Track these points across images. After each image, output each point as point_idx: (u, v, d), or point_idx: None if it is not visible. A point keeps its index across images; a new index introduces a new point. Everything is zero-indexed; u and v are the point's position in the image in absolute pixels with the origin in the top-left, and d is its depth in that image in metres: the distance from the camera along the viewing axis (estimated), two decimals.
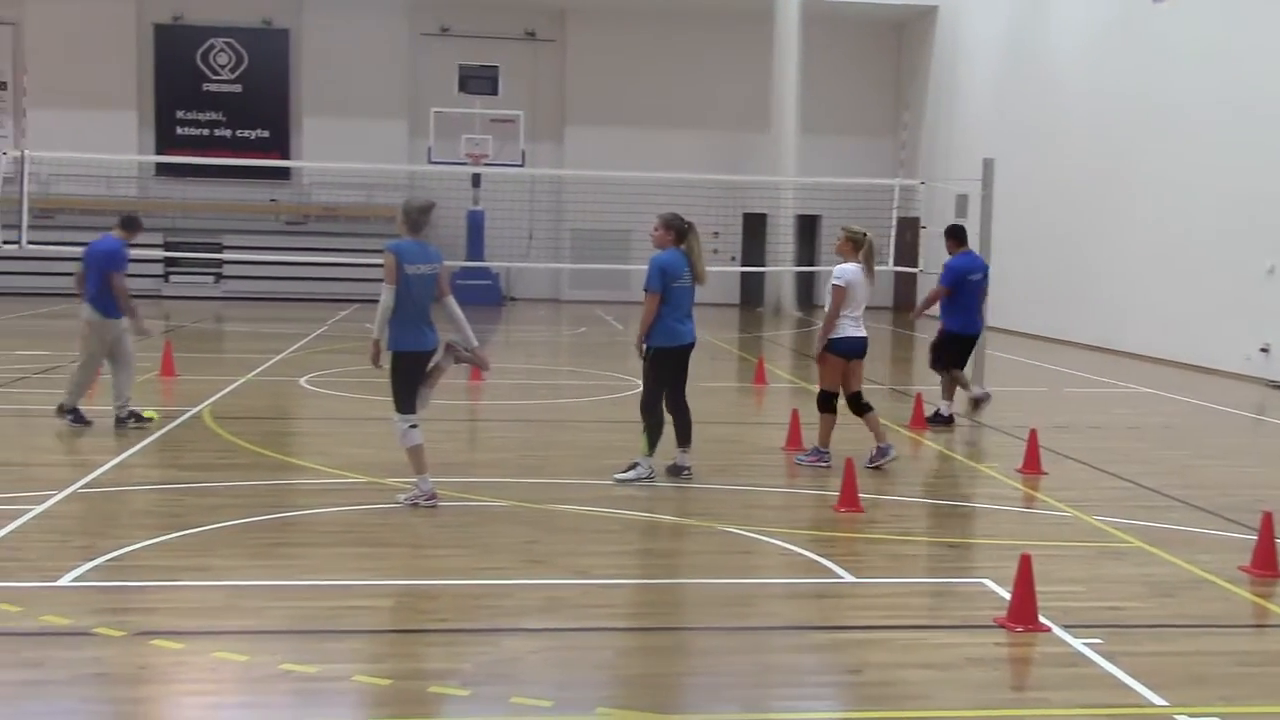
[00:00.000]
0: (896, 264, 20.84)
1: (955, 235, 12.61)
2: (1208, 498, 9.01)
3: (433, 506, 7.93)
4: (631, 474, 8.97)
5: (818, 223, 29.32)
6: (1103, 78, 21.41)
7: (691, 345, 9.23)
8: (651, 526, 7.77)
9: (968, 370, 12.88)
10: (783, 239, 28.04)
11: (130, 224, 11.14)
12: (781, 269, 27.33)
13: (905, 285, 29.94)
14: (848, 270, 9.82)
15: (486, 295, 27.51)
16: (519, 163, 27.95)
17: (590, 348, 20.02)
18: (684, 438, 9.28)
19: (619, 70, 30.29)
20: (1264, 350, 16.68)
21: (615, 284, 28.71)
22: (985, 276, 12.75)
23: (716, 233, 29.69)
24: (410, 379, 8.00)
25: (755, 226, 30.00)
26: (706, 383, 15.75)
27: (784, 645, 5.67)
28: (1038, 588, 5.90)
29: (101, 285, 10.59)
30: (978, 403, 12.84)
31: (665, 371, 9.13)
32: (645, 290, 8.97)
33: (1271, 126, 16.83)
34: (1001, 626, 5.82)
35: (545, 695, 4.94)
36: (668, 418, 9.21)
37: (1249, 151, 17.31)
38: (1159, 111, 19.56)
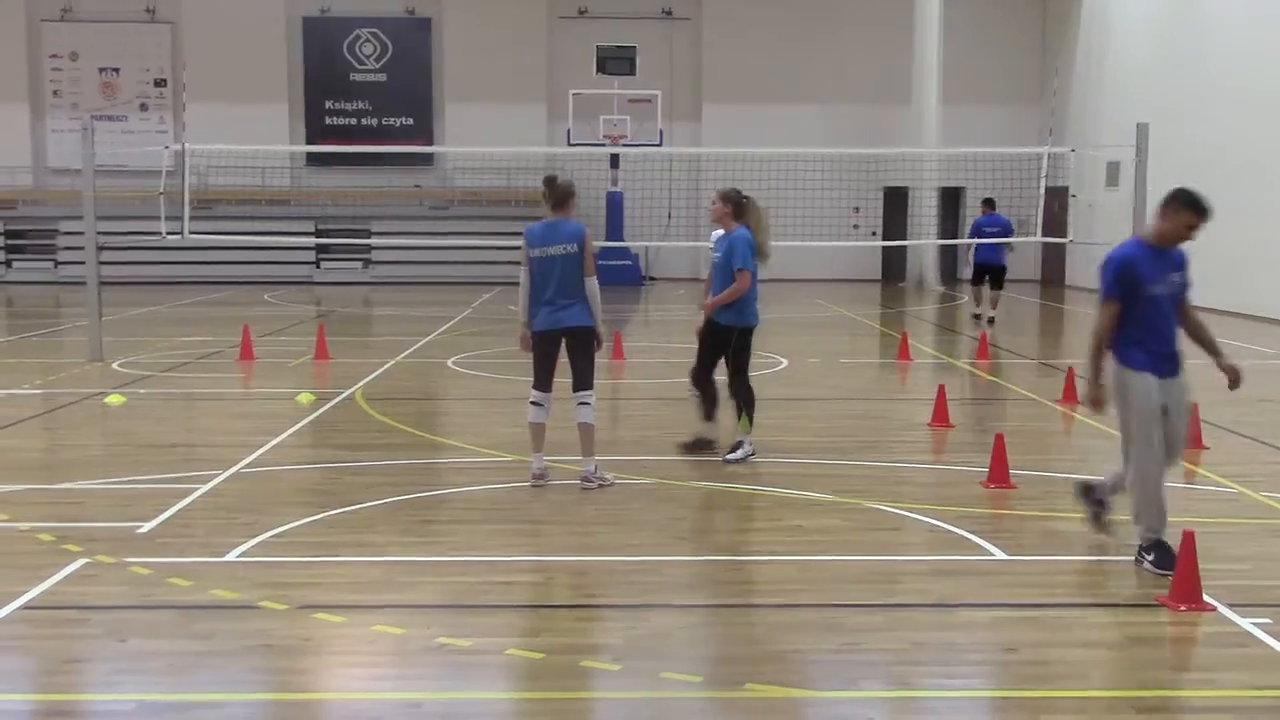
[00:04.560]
0: (1045, 234, 20.27)
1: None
2: None
3: (540, 486, 7.96)
4: (739, 453, 8.87)
5: (961, 194, 28.69)
6: (1263, 40, 20.42)
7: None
8: (797, 503, 7.73)
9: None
10: (925, 212, 27.51)
11: None
12: (924, 243, 26.82)
13: (1053, 255, 29.13)
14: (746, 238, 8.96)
15: (626, 275, 27.66)
16: (657, 142, 27.98)
17: None
18: (711, 415, 9.18)
19: (755, 46, 30.05)
20: None
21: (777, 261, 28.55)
22: None
23: (857, 208, 29.40)
24: (535, 356, 8.11)
25: (897, 200, 29.52)
26: (850, 359, 15.61)
27: (934, 623, 5.59)
28: (1202, 566, 5.70)
29: None
30: None
31: (744, 349, 9.01)
32: (741, 268, 8.73)
33: None
34: (1164, 605, 5.64)
35: (695, 670, 4.97)
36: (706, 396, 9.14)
37: None
38: None
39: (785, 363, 14.50)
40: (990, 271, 19.21)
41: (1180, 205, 6.13)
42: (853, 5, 29.88)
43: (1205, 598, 5.62)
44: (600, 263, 23.87)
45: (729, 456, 8.86)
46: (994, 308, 19.10)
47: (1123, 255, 6.16)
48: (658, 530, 7.09)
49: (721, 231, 9.16)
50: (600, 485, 8.00)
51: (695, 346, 9.21)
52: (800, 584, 6.11)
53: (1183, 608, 5.57)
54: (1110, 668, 4.99)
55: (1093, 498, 6.62)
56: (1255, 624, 5.39)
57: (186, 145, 16.76)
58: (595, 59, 29.42)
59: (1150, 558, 6.10)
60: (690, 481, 8.29)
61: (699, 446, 9.07)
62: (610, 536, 6.97)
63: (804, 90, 29.85)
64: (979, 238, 19.36)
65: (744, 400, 8.98)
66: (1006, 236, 19.20)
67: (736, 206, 8.96)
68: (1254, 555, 6.56)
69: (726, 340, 8.92)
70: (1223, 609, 5.57)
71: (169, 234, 16.30)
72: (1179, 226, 6.16)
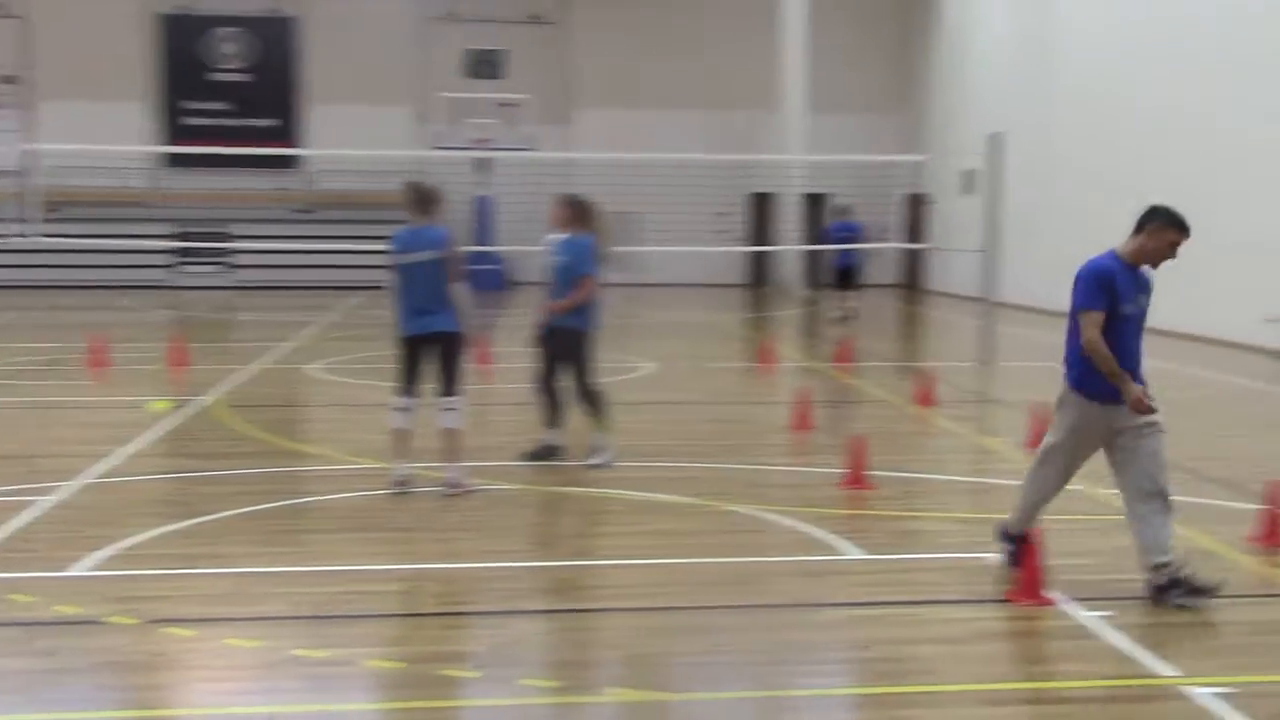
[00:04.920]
0: (905, 240, 20.86)
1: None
2: (1220, 470, 9.01)
3: (402, 493, 7.86)
4: (602, 458, 8.81)
5: (825, 200, 29.20)
6: (1107, 52, 21.28)
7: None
8: (659, 507, 7.79)
9: None
10: (790, 218, 27.96)
11: None
12: (788, 248, 27.26)
13: (911, 261, 29.90)
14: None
15: (492, 281, 27.53)
16: (527, 146, 27.92)
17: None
18: (564, 420, 9.13)
19: (625, 52, 30.19)
20: (1274, 320, 16.60)
21: (625, 265, 28.69)
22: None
23: (722, 213, 29.76)
24: (400, 361, 8.05)
25: (763, 206, 29.96)
26: (715, 363, 15.79)
27: (793, 623, 5.69)
28: (1048, 561, 5.91)
29: None
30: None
31: (587, 354, 8.95)
32: (586, 274, 8.71)
33: (1263, 91, 16.75)
34: (1011, 601, 5.83)
35: (555, 676, 4.97)
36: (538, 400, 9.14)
37: (1251, 117, 17.21)
38: (1174, 83, 19.43)
39: (651, 367, 14.60)
40: (846, 273, 20.59)
41: (1164, 223, 6.06)
42: (721, 13, 30.22)
43: (1051, 593, 5.83)
44: (468, 268, 23.79)
45: (592, 461, 8.85)
46: (852, 304, 20.54)
47: (1103, 266, 6.06)
48: (521, 536, 7.08)
49: (559, 235, 9.13)
50: (464, 492, 7.95)
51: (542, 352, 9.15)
52: (663, 587, 6.15)
53: (1029, 603, 5.77)
54: (959, 662, 5.14)
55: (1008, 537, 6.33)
56: (1098, 616, 5.60)
57: (36, 145, 16.16)
58: (464, 62, 29.24)
59: (1010, 548, 6.20)
60: (554, 487, 8.29)
61: (545, 454, 9.01)
62: (473, 543, 6.93)
63: (674, 96, 30.08)
64: (833, 243, 20.70)
65: (596, 405, 8.95)
66: (860, 242, 20.63)
67: (580, 211, 8.96)
68: (1096, 550, 6.82)
69: (571, 346, 8.89)
70: (1067, 603, 5.78)
71: (18, 236, 15.69)
72: (1162, 245, 6.07)
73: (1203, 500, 8.07)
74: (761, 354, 15.46)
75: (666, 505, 7.83)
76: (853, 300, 20.55)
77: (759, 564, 6.68)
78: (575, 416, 9.08)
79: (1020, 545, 6.08)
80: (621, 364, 14.86)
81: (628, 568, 6.51)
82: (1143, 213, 6.15)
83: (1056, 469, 6.10)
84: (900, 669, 5.12)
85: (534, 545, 6.96)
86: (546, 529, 7.44)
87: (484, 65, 29.27)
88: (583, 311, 8.85)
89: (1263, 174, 17.07)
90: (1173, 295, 18.97)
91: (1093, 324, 5.92)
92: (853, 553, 6.74)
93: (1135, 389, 5.77)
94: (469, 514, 7.51)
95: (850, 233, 20.67)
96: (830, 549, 6.83)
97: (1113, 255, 6.15)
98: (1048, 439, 6.17)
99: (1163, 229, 6.03)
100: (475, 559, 6.62)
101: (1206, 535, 7.08)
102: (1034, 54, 24.01)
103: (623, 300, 25.42)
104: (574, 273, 8.78)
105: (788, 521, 7.40)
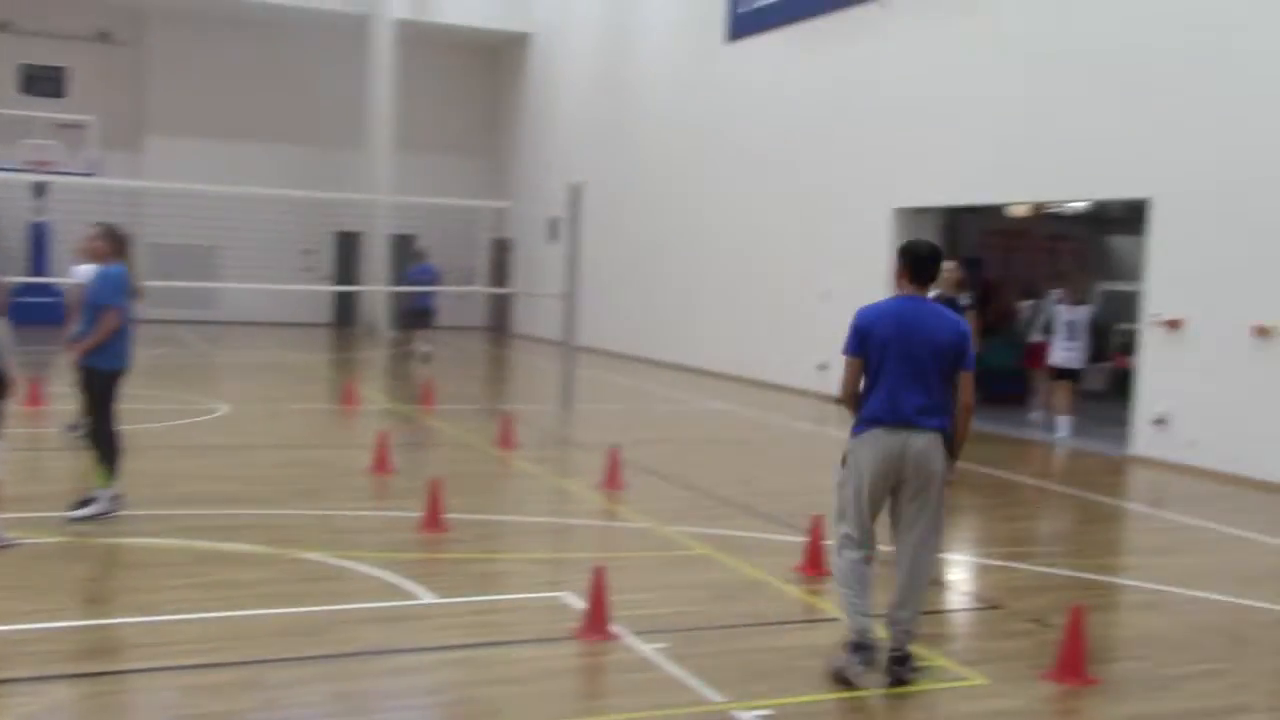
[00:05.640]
0: (492, 284, 21.23)
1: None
2: (769, 505, 9.71)
3: None
4: (92, 509, 8.11)
5: (413, 241, 29.14)
6: (682, 110, 22.68)
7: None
8: (225, 557, 7.42)
9: None
10: (377, 258, 27.69)
11: None
12: (376, 289, 26.98)
13: (499, 304, 30.40)
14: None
15: (50, 314, 25.38)
16: (90, 172, 26.05)
17: (169, 370, 18.88)
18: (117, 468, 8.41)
19: (204, 80, 28.89)
20: (823, 367, 18.18)
21: (199, 302, 27.38)
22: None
23: (308, 250, 29.05)
24: None
25: (349, 245, 29.50)
26: (293, 405, 15.31)
27: (362, 671, 5.56)
28: (612, 598, 6.13)
29: None
30: None
31: (114, 394, 8.37)
32: (109, 305, 8.11)
33: (816, 159, 18.43)
34: (577, 638, 5.99)
35: None
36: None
37: (806, 181, 18.86)
38: (731, 143, 20.94)
39: (225, 409, 13.96)
40: (421, 315, 21.56)
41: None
42: (309, 47, 29.60)
43: (614, 628, 6.04)
44: (22, 300, 21.80)
45: (77, 513, 8.04)
46: (427, 345, 21.16)
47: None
48: (67, 593, 6.52)
49: (90, 266, 8.58)
50: (2, 546, 7.23)
51: (128, 391, 8.55)
52: (225, 642, 5.85)
53: (594, 639, 5.95)
54: (526, 701, 5.21)
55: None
56: (656, 649, 5.86)
57: None
58: (17, 78, 26.94)
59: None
60: (109, 538, 7.71)
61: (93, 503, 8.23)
62: (10, 604, 6.31)
63: (257, 128, 29.11)
64: (411, 285, 21.70)
65: (107, 450, 8.25)
66: (435, 284, 21.53)
67: (111, 242, 8.41)
68: (658, 585, 7.15)
69: (92, 384, 8.26)
70: (629, 637, 6.01)
71: None
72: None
73: (753, 534, 8.66)
74: (344, 396, 15.16)
75: (234, 555, 7.47)
76: (424, 342, 21.22)
77: (331, 612, 6.49)
78: (89, 459, 8.42)
79: None
80: (194, 406, 14.12)
81: (186, 623, 6.13)
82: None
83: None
84: (470, 711, 5.13)
85: (81, 603, 6.43)
86: (97, 585, 6.89)
87: (42, 82, 27.10)
88: (106, 348, 8.20)
89: (819, 235, 18.70)
90: (738, 344, 20.47)
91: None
92: (428, 597, 6.70)
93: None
94: (6, 571, 6.83)
95: (426, 275, 21.53)
96: (406, 594, 6.76)
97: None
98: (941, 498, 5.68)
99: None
100: (12, 620, 6.03)
101: (755, 566, 7.59)
102: (617, 105, 25.19)
103: (199, 339, 24.20)
104: (98, 306, 8.21)
105: (363, 567, 7.26)
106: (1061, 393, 14.68)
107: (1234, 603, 7.43)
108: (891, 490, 5.61)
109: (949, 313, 5.70)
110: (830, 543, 5.97)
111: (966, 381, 5.60)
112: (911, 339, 5.52)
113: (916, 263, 5.72)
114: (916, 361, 5.51)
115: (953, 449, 5.62)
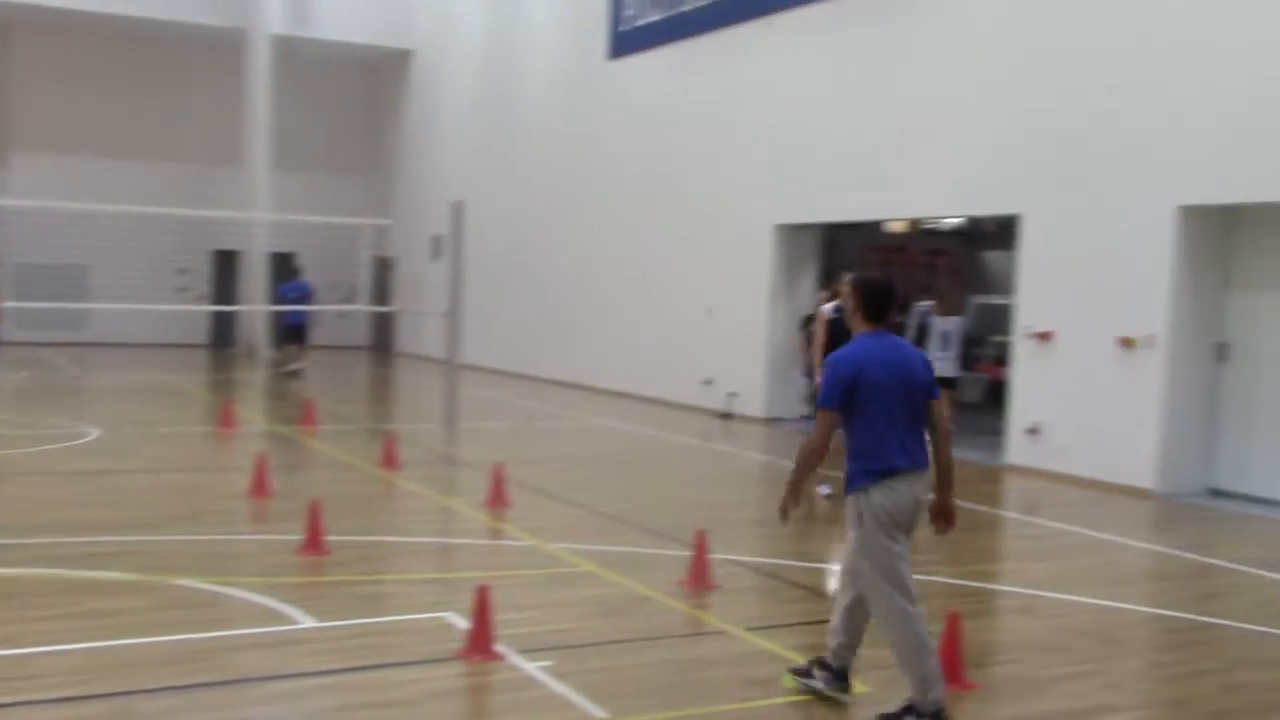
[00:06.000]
0: (375, 303, 21.02)
1: None
2: (655, 520, 9.73)
3: None
4: None
5: (294, 260, 28.63)
6: (565, 128, 22.71)
7: None
8: (96, 585, 7.18)
9: None
10: (256, 277, 27.13)
11: None
12: (255, 308, 26.45)
13: (382, 323, 30.04)
14: None
15: None
16: None
17: (36, 393, 18.26)
18: None
19: (74, 94, 28.03)
20: (708, 383, 18.33)
21: (69, 324, 26.54)
22: None
23: (183, 270, 28.36)
24: None
25: (227, 264, 28.87)
26: (167, 428, 14.91)
27: (239, 699, 5.43)
28: (496, 617, 6.08)
29: None
30: None
31: None
32: None
33: (700, 176, 18.62)
34: (461, 658, 5.93)
35: None
36: None
37: (689, 198, 19.03)
38: (616, 160, 21.03)
39: (96, 433, 13.55)
40: (295, 332, 21.86)
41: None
42: (185, 62, 28.93)
43: (497, 647, 6.00)
44: None
45: None
46: (301, 362, 21.67)
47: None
48: None
49: None
50: None
51: None
52: (93, 673, 5.66)
53: (477, 659, 5.90)
54: None
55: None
56: (539, 667, 5.83)
57: None
58: None
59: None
60: None
61: None
62: None
63: (130, 145, 28.35)
64: (283, 302, 21.87)
65: None
66: (308, 301, 21.59)
67: None
68: (542, 603, 7.12)
69: None
70: (512, 656, 5.96)
71: None
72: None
73: (638, 549, 8.68)
74: (221, 418, 14.81)
75: (104, 583, 7.24)
76: (298, 359, 21.65)
77: (206, 640, 6.32)
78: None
79: None
80: (63, 430, 13.68)
81: (54, 655, 5.92)
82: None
83: None
84: None
85: None
86: None
87: None
88: None
89: (703, 251, 18.86)
90: (624, 361, 20.52)
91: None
92: (307, 621, 6.57)
93: None
94: None
95: (298, 292, 21.69)
96: (285, 618, 6.61)
97: None
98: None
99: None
100: None
101: (640, 582, 7.60)
102: (500, 122, 25.12)
103: (69, 361, 23.45)
104: None
105: (240, 593, 7.09)
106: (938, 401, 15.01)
107: (1103, 605, 7.66)
108: None
109: (911, 346, 5.51)
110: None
111: (939, 409, 5.39)
112: (902, 380, 5.24)
113: (869, 300, 5.38)
114: (911, 402, 5.26)
115: (949, 481, 5.37)
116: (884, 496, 5.16)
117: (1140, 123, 12.19)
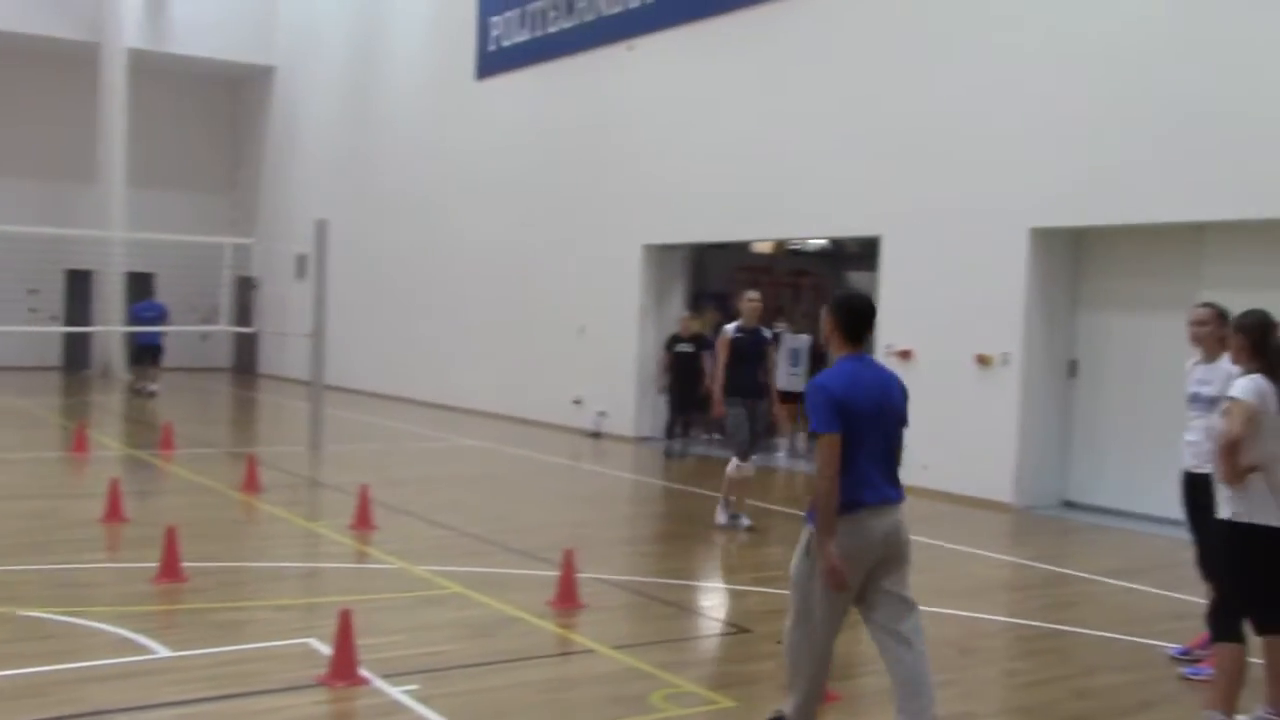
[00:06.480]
0: (236, 324, 20.56)
1: None
2: (523, 540, 9.69)
3: None
4: None
5: (153, 280, 27.79)
6: (433, 146, 22.55)
7: None
8: None
9: None
10: (111, 297, 26.25)
11: None
12: (110, 329, 25.59)
13: (244, 344, 29.36)
14: None
15: None
16: None
17: None
18: None
19: None
20: (577, 402, 18.34)
21: None
22: None
23: (34, 290, 27.30)
24: None
25: (81, 284, 27.87)
26: (17, 453, 14.35)
27: None
28: (360, 641, 5.98)
29: None
30: None
31: None
32: None
33: (569, 196, 18.66)
34: (323, 684, 5.82)
35: None
36: None
37: (559, 218, 19.04)
38: (484, 179, 20.94)
39: None
40: (149, 351, 22.07)
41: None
42: (34, 76, 27.91)
43: (361, 672, 5.89)
44: None
45: None
46: (155, 382, 22.05)
47: None
48: None
49: None
50: None
51: None
52: None
53: (340, 684, 5.79)
54: None
55: None
56: (405, 691, 5.75)
57: None
58: None
59: None
60: None
61: None
62: None
63: None
64: (136, 322, 21.90)
65: None
66: (163, 320, 21.95)
67: None
68: (408, 626, 7.02)
69: None
70: (377, 681, 5.87)
71: None
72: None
73: (506, 570, 8.63)
74: (74, 442, 14.29)
75: None
76: (150, 380, 21.88)
77: (55, 672, 6.07)
78: None
79: None
80: None
81: None
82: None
83: None
84: None
85: None
86: None
87: None
88: None
89: (573, 271, 18.86)
90: (494, 381, 20.40)
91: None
92: (163, 651, 6.37)
93: None
94: None
95: (151, 312, 21.95)
96: (140, 649, 6.40)
97: None
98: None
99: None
100: None
101: (508, 603, 7.56)
102: (365, 140, 24.83)
103: None
104: None
105: (92, 623, 6.84)
106: (786, 415, 15.03)
107: (961, 615, 7.86)
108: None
109: (890, 371, 5.15)
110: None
111: (901, 439, 5.07)
112: (881, 408, 4.90)
113: (851, 320, 5.04)
114: (888, 431, 4.93)
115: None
116: (845, 532, 4.76)
117: (993, 149, 12.61)
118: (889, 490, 4.88)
